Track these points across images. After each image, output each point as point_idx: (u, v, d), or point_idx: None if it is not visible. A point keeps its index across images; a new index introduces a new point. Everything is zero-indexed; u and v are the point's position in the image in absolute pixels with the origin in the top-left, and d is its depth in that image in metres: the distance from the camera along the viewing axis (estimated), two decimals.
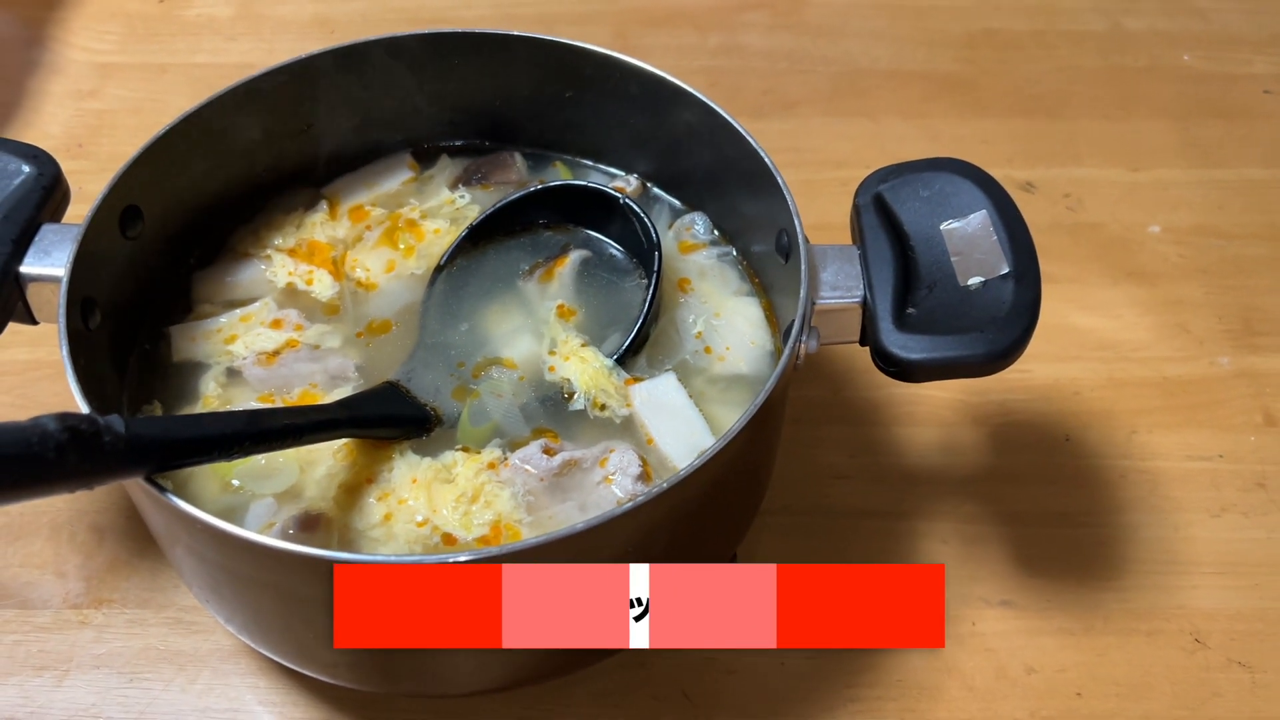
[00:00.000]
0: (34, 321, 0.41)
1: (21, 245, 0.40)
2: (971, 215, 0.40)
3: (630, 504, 0.34)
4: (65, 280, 0.39)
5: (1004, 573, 0.46)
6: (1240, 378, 0.53)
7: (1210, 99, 0.67)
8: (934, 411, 0.51)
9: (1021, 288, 0.38)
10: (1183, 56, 0.69)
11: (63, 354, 0.37)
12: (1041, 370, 0.52)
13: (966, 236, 0.40)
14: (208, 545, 0.35)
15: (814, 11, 0.71)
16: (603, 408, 0.43)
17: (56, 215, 0.42)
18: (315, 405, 0.42)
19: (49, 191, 0.42)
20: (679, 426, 0.42)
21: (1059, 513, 0.48)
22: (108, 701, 0.41)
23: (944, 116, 0.65)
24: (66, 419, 0.30)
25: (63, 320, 0.38)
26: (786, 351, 0.37)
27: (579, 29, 0.70)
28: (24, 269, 0.40)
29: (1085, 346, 0.54)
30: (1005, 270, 0.39)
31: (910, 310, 0.39)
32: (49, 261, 0.40)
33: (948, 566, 0.46)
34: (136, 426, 0.32)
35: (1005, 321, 0.37)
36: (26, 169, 0.42)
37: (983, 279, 0.39)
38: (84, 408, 0.35)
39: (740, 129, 0.44)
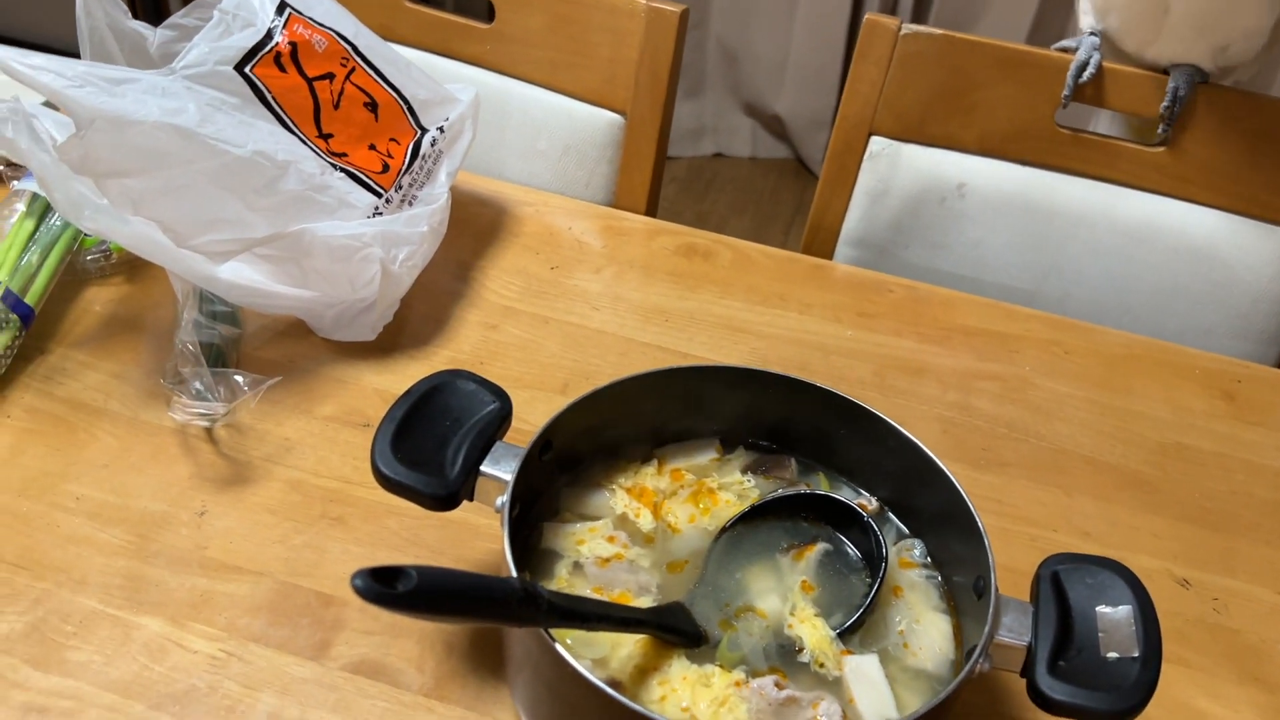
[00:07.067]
0: (471, 500, 0.62)
1: (484, 453, 0.59)
2: (1121, 606, 0.55)
3: None
4: (510, 483, 0.58)
5: None
6: None
7: None
8: None
9: (1145, 670, 0.52)
10: None
11: (504, 536, 0.55)
12: None
13: (1113, 620, 0.55)
14: (553, 674, 0.53)
15: (1036, 393, 0.89)
16: (821, 665, 0.59)
17: (503, 435, 0.64)
18: (633, 606, 0.60)
19: (505, 420, 0.62)
20: (875, 696, 0.57)
21: None
22: None
23: (1126, 506, 0.80)
24: (525, 584, 0.50)
25: (507, 512, 0.56)
26: (967, 667, 0.53)
27: (850, 361, 0.89)
28: (482, 469, 0.60)
29: None
30: (1136, 654, 0.53)
31: (1061, 663, 0.53)
32: (498, 468, 0.59)
33: None
34: (554, 598, 0.51)
35: (1129, 691, 0.51)
36: (496, 403, 0.62)
37: (1119, 655, 0.54)
38: (514, 572, 0.55)
39: (960, 489, 0.61)
